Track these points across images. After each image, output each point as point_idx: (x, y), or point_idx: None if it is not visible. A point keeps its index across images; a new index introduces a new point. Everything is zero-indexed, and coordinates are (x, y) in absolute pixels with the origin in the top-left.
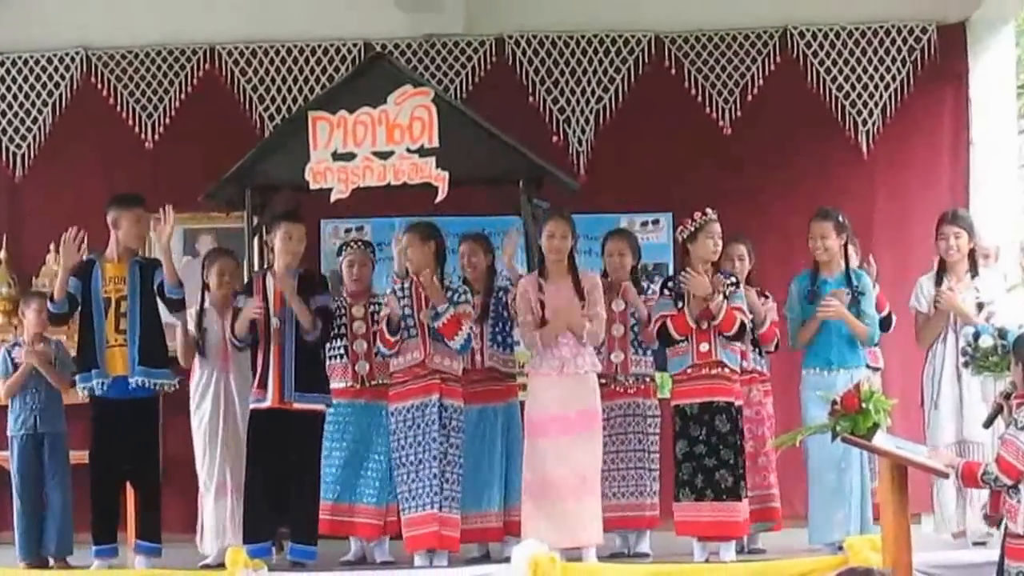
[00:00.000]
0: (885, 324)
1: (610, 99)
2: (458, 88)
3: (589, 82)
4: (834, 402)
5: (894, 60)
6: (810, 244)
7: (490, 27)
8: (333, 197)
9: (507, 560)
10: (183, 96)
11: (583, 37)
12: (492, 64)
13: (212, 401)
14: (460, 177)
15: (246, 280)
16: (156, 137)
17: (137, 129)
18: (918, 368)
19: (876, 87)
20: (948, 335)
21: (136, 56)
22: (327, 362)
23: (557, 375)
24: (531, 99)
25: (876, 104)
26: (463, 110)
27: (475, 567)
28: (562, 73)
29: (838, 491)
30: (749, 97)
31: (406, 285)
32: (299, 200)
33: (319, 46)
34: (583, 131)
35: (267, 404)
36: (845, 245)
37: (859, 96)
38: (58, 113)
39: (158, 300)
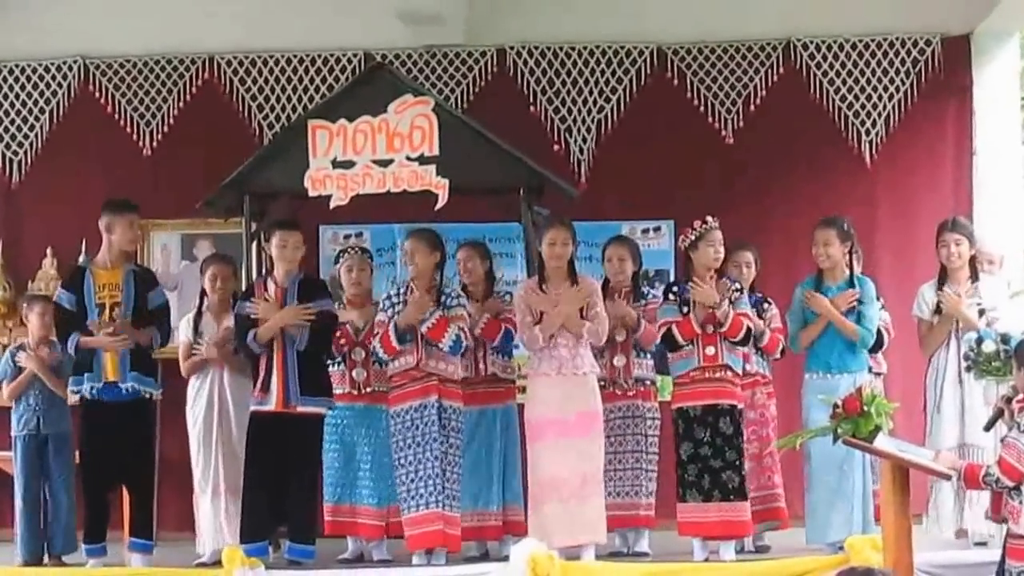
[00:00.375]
0: (875, 345)
1: (612, 109)
2: (459, 98)
3: (591, 92)
4: (836, 405)
5: (898, 72)
6: (813, 251)
7: (491, 38)
8: (332, 204)
9: (505, 559)
10: (181, 104)
11: (585, 48)
12: (493, 74)
13: (206, 402)
14: (460, 185)
15: (244, 285)
16: (154, 145)
17: (135, 137)
18: (920, 373)
19: (880, 98)
20: (950, 340)
21: (134, 65)
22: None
23: (556, 376)
24: (532, 109)
25: (880, 115)
26: (464, 119)
27: (474, 565)
28: (564, 83)
29: (838, 492)
30: (752, 107)
31: (401, 291)
32: (297, 207)
33: (319, 56)
34: (584, 140)
35: (270, 407)
36: (850, 253)
37: (862, 107)
38: (56, 120)
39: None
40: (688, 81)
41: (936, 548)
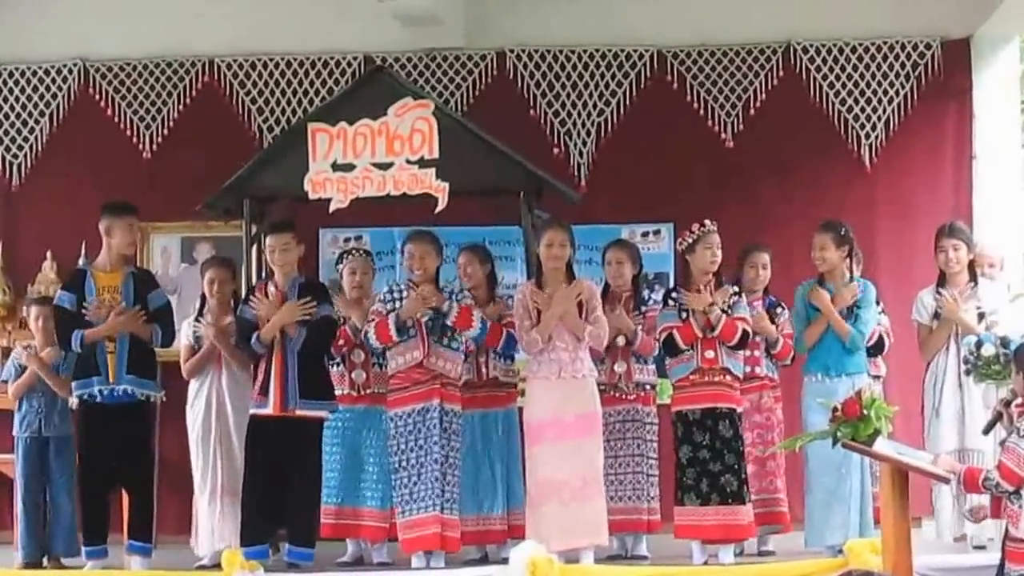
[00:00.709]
0: (875, 349)
1: (612, 112)
2: (459, 101)
3: (591, 95)
4: (835, 408)
5: (897, 75)
6: (812, 255)
7: (491, 41)
8: (332, 207)
9: (505, 561)
10: (181, 107)
11: (584, 51)
12: (493, 78)
13: (205, 404)
14: (460, 188)
15: (244, 288)
16: (154, 147)
17: (135, 139)
18: (919, 377)
19: (879, 102)
20: (950, 344)
21: (134, 68)
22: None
23: (555, 379)
24: (532, 112)
25: (879, 118)
26: (463, 122)
27: (473, 568)
28: (563, 86)
29: (837, 495)
30: (751, 111)
31: (401, 287)
32: (297, 210)
33: (319, 59)
34: (584, 143)
35: (268, 411)
36: (849, 256)
37: (862, 110)
38: (55, 123)
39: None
40: (688, 84)
41: (935, 552)
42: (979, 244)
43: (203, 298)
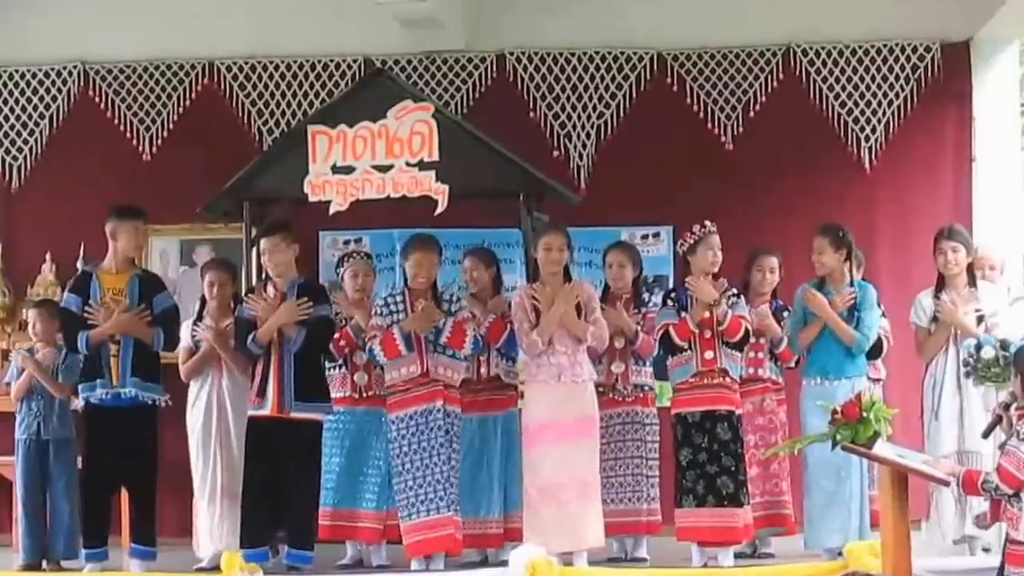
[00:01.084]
0: (875, 351)
1: (611, 114)
2: (459, 103)
3: (591, 98)
4: (835, 411)
5: (897, 78)
6: (812, 258)
7: (491, 44)
8: (332, 209)
9: (504, 564)
10: (181, 110)
11: (584, 54)
12: (493, 80)
13: (204, 407)
14: (460, 190)
15: (244, 290)
16: (154, 150)
17: (135, 142)
18: (918, 379)
19: (879, 104)
20: (949, 347)
21: (134, 70)
22: (326, 372)
23: (555, 383)
24: (532, 114)
25: (879, 121)
26: (463, 125)
27: (472, 571)
28: (563, 89)
29: (835, 498)
30: (751, 113)
31: (398, 299)
32: (296, 212)
33: (319, 62)
34: (584, 146)
35: (265, 412)
36: (848, 259)
37: (862, 113)
38: (55, 125)
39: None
40: (688, 87)
41: (935, 554)
42: (979, 247)
43: (203, 300)
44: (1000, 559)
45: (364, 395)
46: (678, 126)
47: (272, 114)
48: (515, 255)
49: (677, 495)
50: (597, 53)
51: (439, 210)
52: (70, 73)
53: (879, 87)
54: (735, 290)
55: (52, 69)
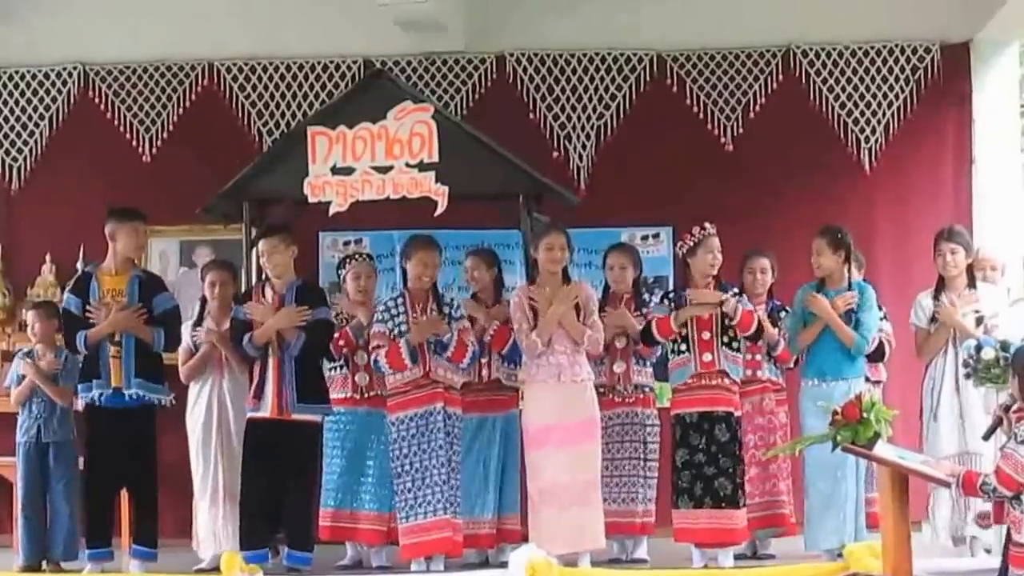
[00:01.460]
0: (876, 355)
1: (611, 116)
2: (459, 105)
3: (591, 99)
4: (835, 412)
5: (897, 79)
6: (811, 260)
7: (491, 45)
8: (332, 210)
9: (504, 565)
10: (181, 111)
11: (584, 55)
12: (493, 81)
13: (205, 408)
14: (460, 192)
15: (243, 291)
16: (153, 151)
17: (135, 143)
18: (918, 380)
19: (879, 106)
20: (948, 348)
21: (134, 71)
22: (327, 373)
23: (555, 383)
24: (532, 115)
25: (879, 122)
26: (463, 126)
27: (472, 572)
28: (563, 90)
29: (833, 499)
30: (751, 114)
31: (399, 301)
32: (296, 213)
33: (319, 63)
34: (584, 147)
35: (264, 414)
36: (846, 260)
37: (862, 114)
38: (55, 126)
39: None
40: (688, 88)
41: (935, 555)
42: (979, 248)
43: (203, 301)
44: (1001, 560)
45: (365, 396)
46: (678, 127)
47: (272, 115)
48: (515, 256)
49: (673, 496)
50: (597, 54)
51: (439, 211)
52: (70, 74)
53: (879, 88)
54: (736, 290)
55: (52, 70)
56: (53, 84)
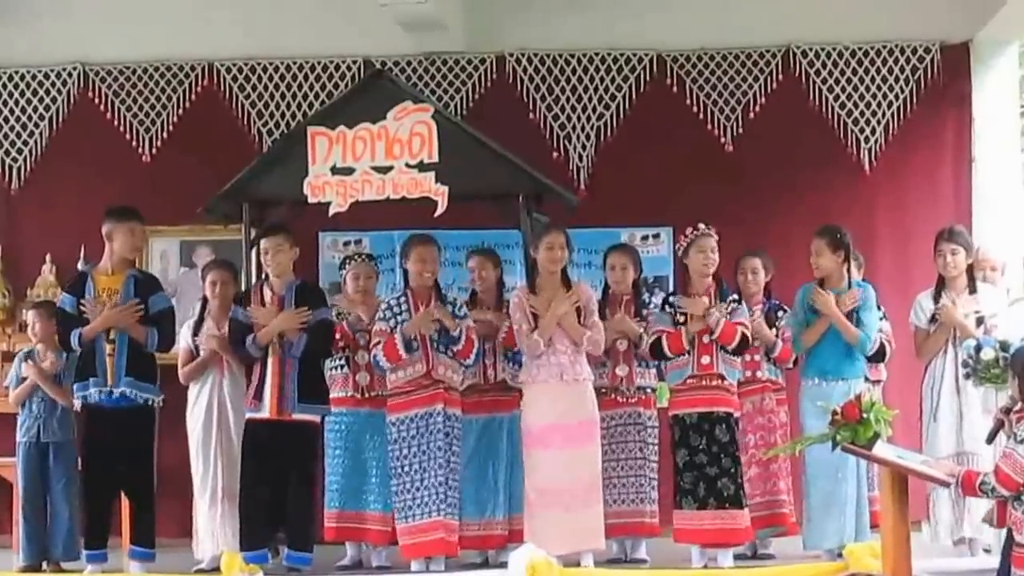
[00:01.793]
0: (877, 355)
1: (611, 116)
2: (458, 105)
3: (590, 99)
4: (835, 412)
5: (897, 79)
6: (810, 260)
7: (491, 45)
8: (332, 211)
9: (504, 565)
10: (181, 111)
11: (584, 55)
12: (493, 81)
13: (205, 408)
14: (460, 192)
15: (243, 290)
16: (153, 151)
17: (135, 143)
18: (917, 380)
19: (879, 106)
20: (948, 348)
21: (134, 72)
22: (328, 373)
23: (556, 382)
24: (531, 116)
25: (879, 122)
26: (463, 126)
27: (473, 572)
28: (563, 90)
29: (834, 499)
30: (751, 115)
31: (402, 300)
32: (296, 214)
33: (319, 63)
34: (584, 147)
35: (264, 415)
36: (846, 260)
37: (861, 114)
38: (55, 127)
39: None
40: (687, 88)
41: (935, 555)
42: (979, 248)
43: (204, 301)
44: (1001, 560)
45: (367, 395)
46: (678, 127)
47: (272, 115)
48: (515, 256)
49: (676, 497)
50: (597, 54)
51: (439, 211)
52: (70, 74)
53: (879, 88)
54: (735, 296)
55: (52, 70)
56: (53, 84)
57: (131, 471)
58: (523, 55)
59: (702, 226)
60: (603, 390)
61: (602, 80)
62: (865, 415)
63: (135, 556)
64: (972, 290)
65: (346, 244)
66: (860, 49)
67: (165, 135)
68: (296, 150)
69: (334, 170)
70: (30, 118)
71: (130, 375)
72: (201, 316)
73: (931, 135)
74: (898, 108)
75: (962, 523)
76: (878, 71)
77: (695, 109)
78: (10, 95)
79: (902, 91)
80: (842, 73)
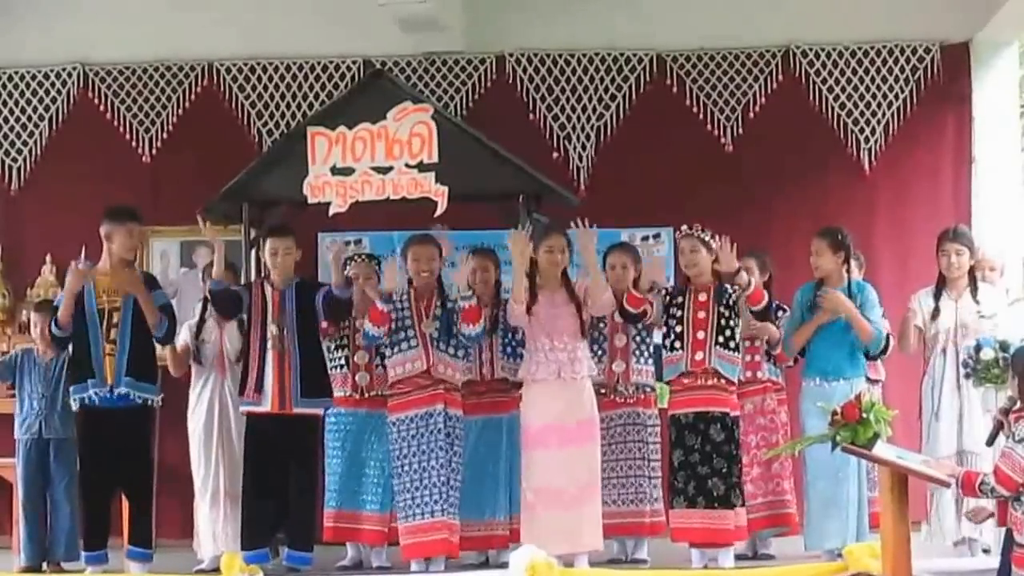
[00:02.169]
0: (882, 351)
1: (611, 116)
2: (458, 105)
3: (590, 99)
4: (835, 412)
5: (897, 79)
6: (810, 260)
7: (490, 45)
8: (332, 211)
9: (505, 565)
10: (181, 111)
11: (584, 55)
12: (492, 81)
13: (207, 408)
14: (459, 192)
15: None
16: (153, 151)
17: (134, 143)
18: (917, 381)
19: (879, 106)
20: (948, 347)
21: (134, 72)
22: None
23: (554, 380)
24: (531, 116)
25: (879, 122)
26: (463, 126)
27: (473, 572)
28: (563, 90)
29: (834, 500)
30: (751, 115)
31: (404, 298)
32: (291, 214)
33: (319, 63)
34: (584, 147)
35: (264, 409)
36: (846, 261)
37: (861, 114)
38: (55, 127)
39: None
40: (688, 88)
41: (935, 556)
42: (980, 248)
43: (204, 301)
44: (1001, 561)
45: (366, 395)
46: (678, 127)
47: (272, 116)
48: None
49: (670, 496)
50: (597, 55)
51: (439, 212)
52: (69, 75)
53: (879, 88)
54: (738, 288)
55: (52, 71)
56: (53, 85)
57: (130, 471)
58: (523, 55)
59: (684, 227)
60: (602, 390)
61: (602, 80)
62: (865, 415)
63: (133, 556)
64: (973, 290)
65: (346, 244)
66: (860, 49)
67: (165, 135)
68: (296, 150)
69: (334, 170)
70: (30, 118)
71: (130, 375)
72: (202, 316)
73: (931, 135)
74: (898, 108)
75: (963, 524)
76: (878, 71)
77: (695, 109)
78: (10, 95)
79: (902, 91)
80: (842, 73)
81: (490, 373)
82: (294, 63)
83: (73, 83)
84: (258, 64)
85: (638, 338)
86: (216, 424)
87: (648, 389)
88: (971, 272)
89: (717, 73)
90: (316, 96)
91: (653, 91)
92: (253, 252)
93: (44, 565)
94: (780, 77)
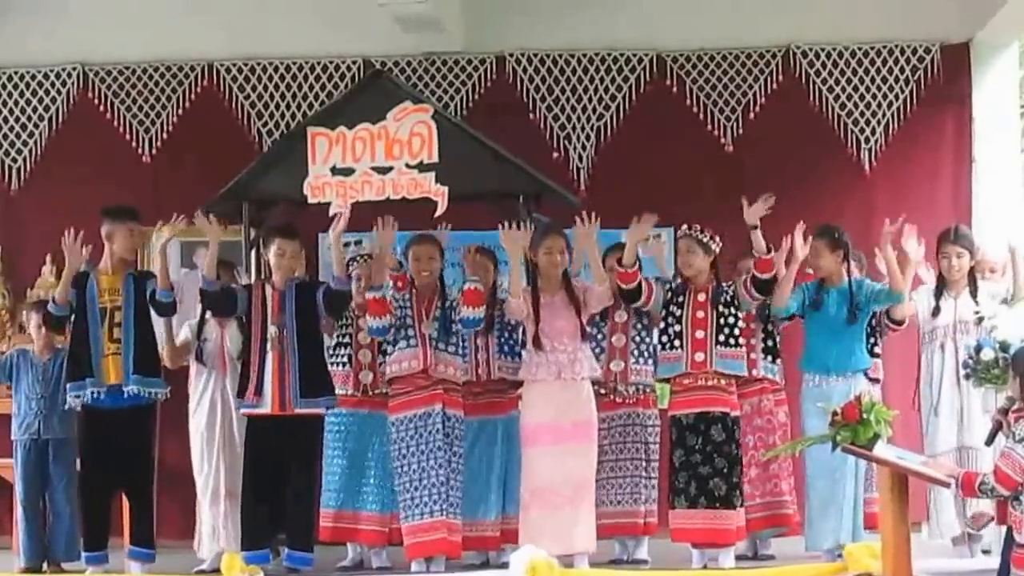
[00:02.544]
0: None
1: (611, 116)
2: (458, 105)
3: (590, 99)
4: (835, 412)
5: (897, 80)
6: (809, 261)
7: (490, 45)
8: (332, 211)
9: (505, 566)
10: (181, 111)
11: (584, 55)
12: (492, 81)
13: (208, 408)
14: (460, 192)
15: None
16: (153, 152)
17: (134, 144)
18: (914, 378)
19: (879, 106)
20: (947, 344)
21: (133, 72)
22: (330, 370)
23: (554, 381)
24: (531, 116)
25: (879, 123)
26: (463, 126)
27: (473, 573)
28: (563, 91)
29: (831, 499)
30: (751, 115)
31: (405, 296)
32: (294, 214)
33: (318, 63)
34: (584, 147)
35: (265, 410)
36: (845, 260)
37: (862, 115)
38: (55, 127)
39: (151, 309)
40: (688, 88)
41: (935, 555)
42: (980, 249)
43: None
44: (1001, 561)
45: (368, 394)
46: (678, 128)
47: (272, 116)
48: None
49: (670, 496)
50: (597, 55)
51: (439, 212)
52: (69, 75)
53: (879, 89)
54: (732, 289)
55: (51, 71)
56: (52, 85)
57: (130, 471)
58: (523, 55)
59: (684, 227)
60: (601, 391)
61: (602, 80)
62: (865, 416)
63: (134, 556)
64: (973, 291)
65: (346, 245)
66: (860, 49)
67: (165, 135)
68: (296, 150)
69: (334, 170)
70: (30, 118)
71: (138, 372)
72: (203, 315)
73: (931, 135)
74: (898, 108)
75: (962, 520)
76: (878, 71)
77: (695, 109)
78: (10, 95)
79: (902, 91)
80: (842, 73)
81: (486, 374)
82: (294, 63)
83: (73, 83)
84: (258, 64)
85: (637, 338)
86: (218, 423)
87: (648, 389)
88: (971, 273)
89: (717, 73)
90: (316, 96)
91: (653, 91)
92: (253, 252)
93: (44, 565)
94: (780, 77)
